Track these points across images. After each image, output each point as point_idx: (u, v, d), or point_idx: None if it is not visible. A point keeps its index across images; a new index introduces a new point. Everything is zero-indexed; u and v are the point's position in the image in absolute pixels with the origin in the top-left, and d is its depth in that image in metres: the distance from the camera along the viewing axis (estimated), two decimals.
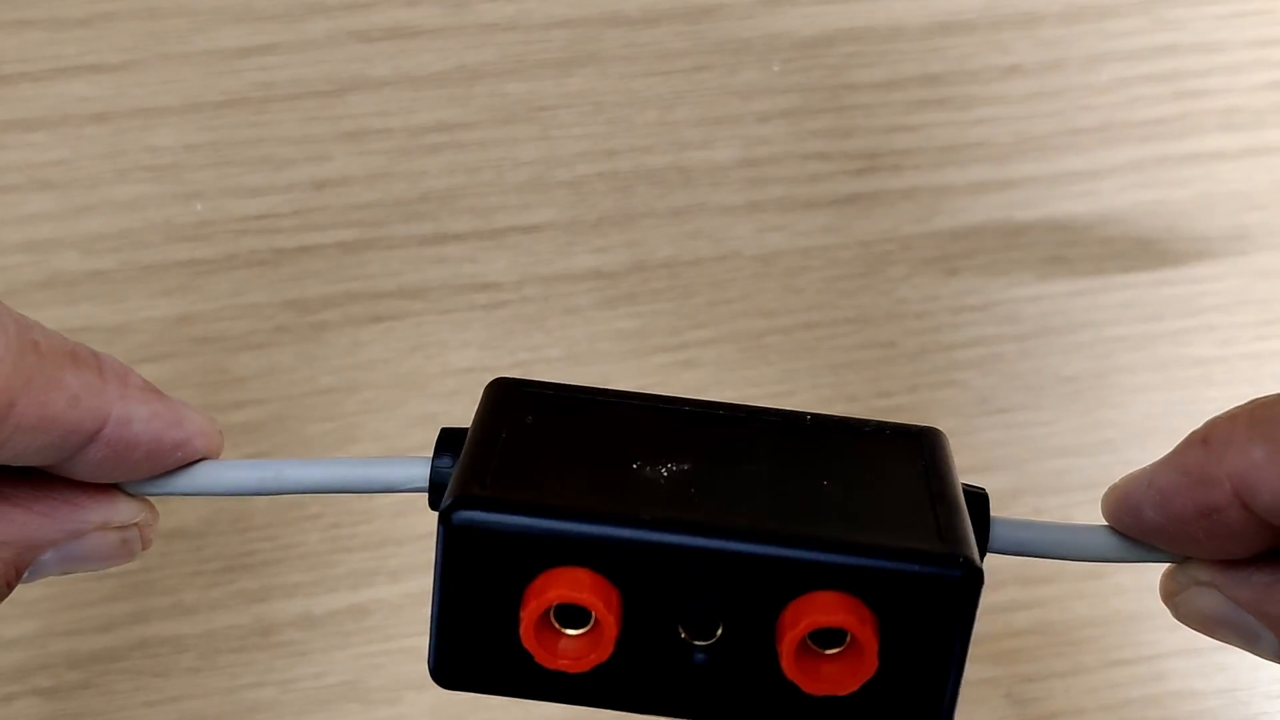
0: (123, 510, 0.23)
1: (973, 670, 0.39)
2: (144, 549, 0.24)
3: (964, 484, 0.21)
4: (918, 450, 0.22)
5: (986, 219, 0.41)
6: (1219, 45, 0.43)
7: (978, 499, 0.22)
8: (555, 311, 0.40)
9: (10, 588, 0.22)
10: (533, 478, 0.20)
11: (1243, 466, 0.20)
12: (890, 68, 0.43)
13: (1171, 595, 0.23)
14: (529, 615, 0.19)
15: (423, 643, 0.37)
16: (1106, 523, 0.23)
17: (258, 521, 0.37)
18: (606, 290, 0.40)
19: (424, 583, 0.37)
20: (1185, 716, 0.38)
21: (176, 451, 0.22)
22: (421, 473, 0.22)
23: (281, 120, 0.41)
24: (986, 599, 0.39)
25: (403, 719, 0.36)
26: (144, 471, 0.22)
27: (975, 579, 0.20)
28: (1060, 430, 0.39)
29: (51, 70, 0.41)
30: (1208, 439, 0.20)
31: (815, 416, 0.22)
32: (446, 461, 0.21)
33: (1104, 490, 0.23)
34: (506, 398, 0.21)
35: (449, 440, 0.22)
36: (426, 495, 0.22)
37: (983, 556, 0.22)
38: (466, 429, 0.21)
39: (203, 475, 0.23)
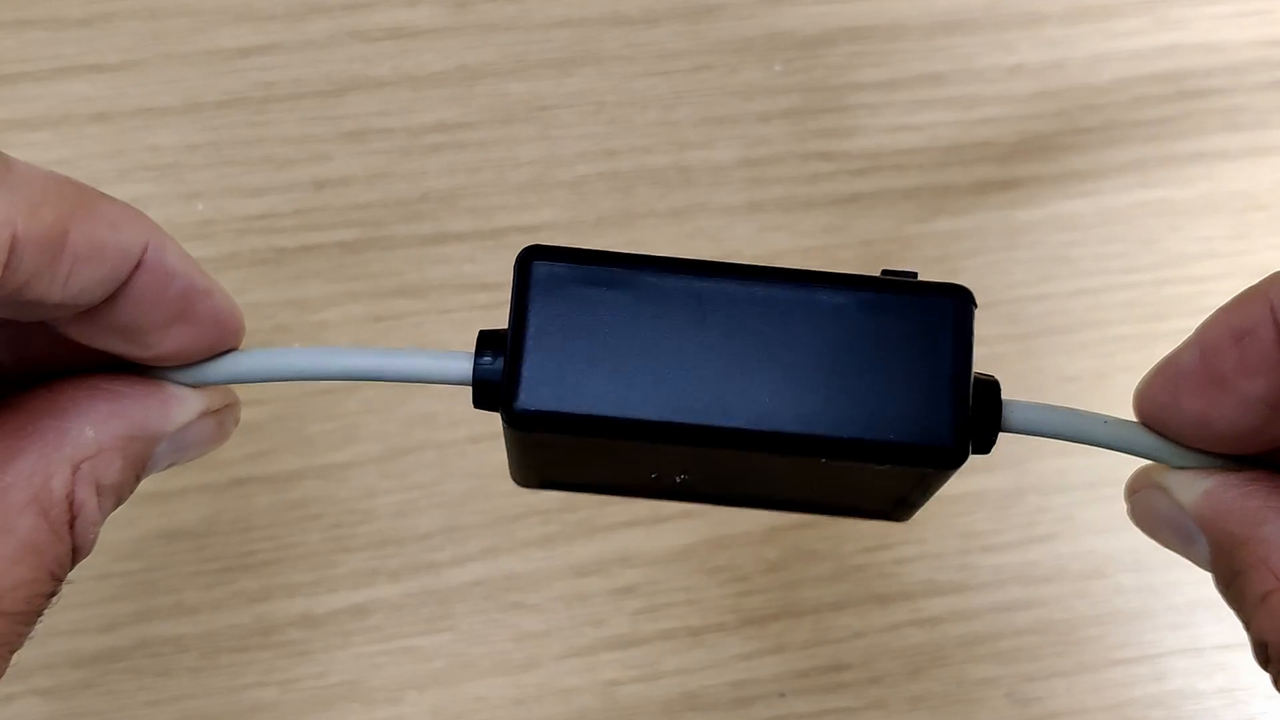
0: (214, 396, 0.24)
1: (973, 670, 0.39)
2: (232, 429, 0.25)
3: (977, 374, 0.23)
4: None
5: (989, 218, 0.41)
6: (1221, 45, 0.43)
7: (988, 386, 0.23)
8: None
9: (139, 480, 0.23)
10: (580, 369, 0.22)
11: None
12: (893, 67, 0.43)
13: (1132, 491, 0.24)
14: None
15: (423, 642, 0.37)
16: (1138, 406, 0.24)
17: (259, 521, 0.37)
18: None
19: (426, 583, 0.37)
20: (1187, 716, 0.37)
21: (207, 300, 0.24)
22: (465, 367, 0.23)
23: (282, 120, 0.41)
24: (986, 599, 0.40)
25: (404, 719, 0.36)
26: (187, 323, 0.23)
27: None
28: None
29: (52, 70, 0.41)
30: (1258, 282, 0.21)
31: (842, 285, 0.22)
32: (488, 359, 0.23)
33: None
34: (544, 283, 0.22)
35: (488, 340, 0.23)
36: (470, 391, 0.23)
37: (994, 438, 0.23)
38: (504, 330, 0.22)
39: (256, 360, 0.24)
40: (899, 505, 0.24)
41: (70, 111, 0.41)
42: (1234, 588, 0.21)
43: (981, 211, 0.41)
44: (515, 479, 0.25)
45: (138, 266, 0.22)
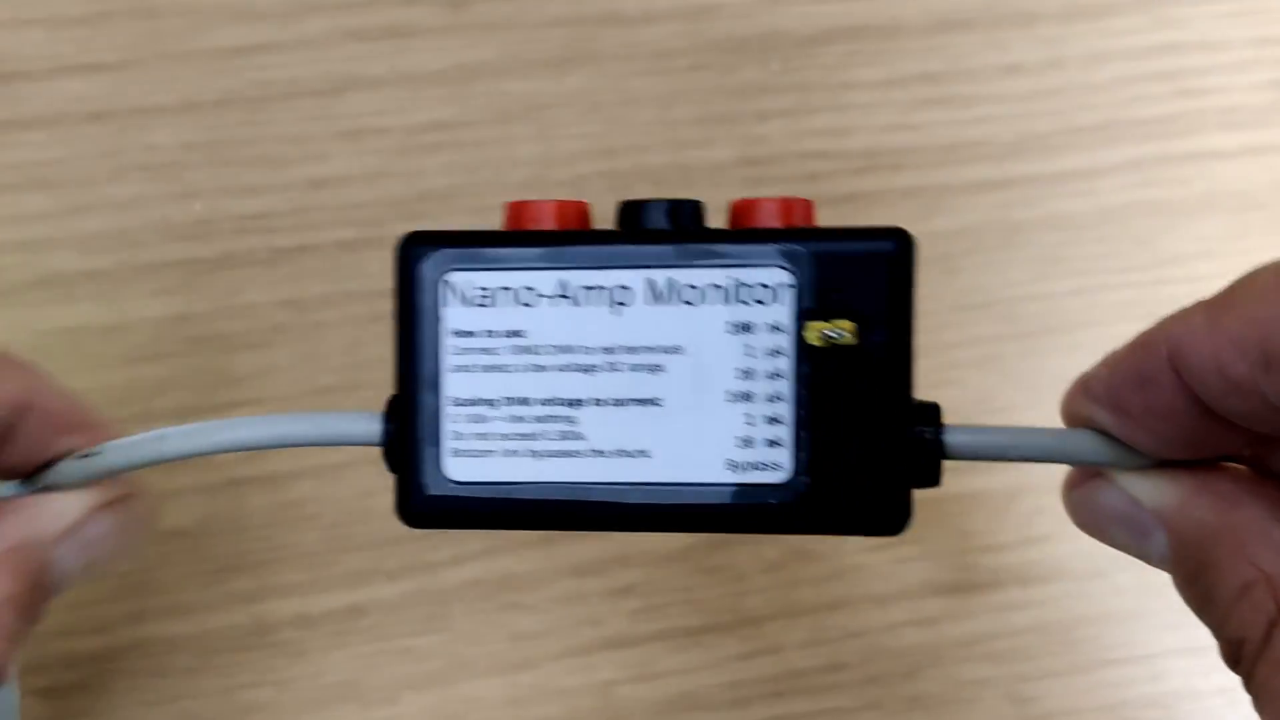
0: (103, 492, 0.24)
1: (970, 670, 0.39)
2: (149, 520, 0.25)
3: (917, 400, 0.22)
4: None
5: (986, 218, 0.41)
6: (1219, 44, 0.43)
7: (928, 410, 0.23)
8: None
9: (47, 590, 0.23)
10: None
11: (1179, 330, 0.20)
12: (889, 66, 0.43)
13: (1072, 487, 0.23)
14: None
15: (420, 643, 0.37)
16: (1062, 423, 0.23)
17: (255, 521, 0.37)
18: None
19: (422, 583, 0.37)
20: (1184, 716, 0.37)
21: (89, 416, 0.24)
22: (373, 430, 0.23)
23: (279, 119, 0.41)
24: (984, 599, 0.40)
25: (400, 719, 0.36)
26: (68, 442, 0.24)
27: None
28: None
29: (49, 69, 0.41)
30: (1162, 318, 0.21)
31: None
32: (395, 426, 0.23)
33: None
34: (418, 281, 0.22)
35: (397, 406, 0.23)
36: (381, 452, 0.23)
37: (938, 473, 0.22)
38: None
39: (147, 446, 0.23)
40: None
41: (67, 111, 0.40)
42: (1201, 582, 0.20)
43: (978, 211, 0.41)
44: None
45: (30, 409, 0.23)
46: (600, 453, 0.21)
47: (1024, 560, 0.38)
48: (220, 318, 0.39)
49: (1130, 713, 0.37)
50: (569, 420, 0.21)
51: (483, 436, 0.22)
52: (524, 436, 0.21)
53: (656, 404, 0.21)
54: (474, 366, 0.22)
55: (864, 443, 0.21)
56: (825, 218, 0.41)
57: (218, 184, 0.40)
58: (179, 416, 0.37)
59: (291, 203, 0.40)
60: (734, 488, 0.21)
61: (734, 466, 0.21)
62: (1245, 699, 0.37)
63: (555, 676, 0.37)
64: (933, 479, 0.22)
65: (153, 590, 0.36)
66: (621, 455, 0.21)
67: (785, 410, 0.21)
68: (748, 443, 0.21)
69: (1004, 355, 0.40)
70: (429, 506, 0.22)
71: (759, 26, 0.43)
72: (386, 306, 0.40)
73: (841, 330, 0.21)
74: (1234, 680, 0.38)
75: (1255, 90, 0.43)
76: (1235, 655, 0.20)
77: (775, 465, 0.21)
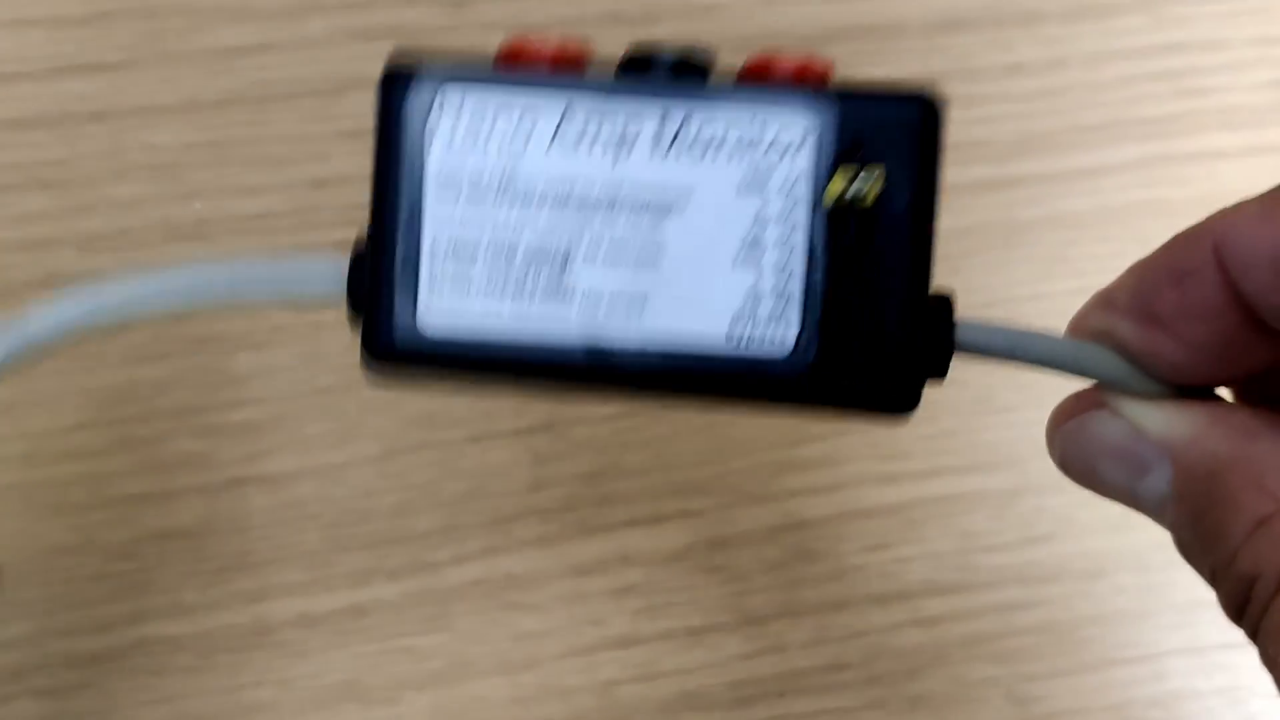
0: None
1: (974, 669, 0.39)
2: None
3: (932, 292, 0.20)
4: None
5: (989, 217, 0.41)
6: (1221, 43, 0.43)
7: (943, 300, 0.21)
8: None
9: None
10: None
11: (1229, 220, 0.19)
12: (892, 66, 0.43)
13: (1063, 419, 0.21)
14: None
15: (421, 642, 0.37)
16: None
17: (256, 521, 0.37)
18: None
19: (424, 582, 0.37)
20: (1187, 715, 0.37)
21: None
22: (336, 275, 0.21)
23: (280, 119, 0.41)
24: (986, 599, 0.39)
25: (401, 719, 0.36)
26: None
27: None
28: None
29: (50, 69, 0.41)
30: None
31: None
32: (368, 265, 0.21)
33: None
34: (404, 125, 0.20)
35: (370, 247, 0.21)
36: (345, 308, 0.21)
37: (947, 364, 0.21)
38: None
39: (70, 308, 0.21)
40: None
41: (68, 110, 0.40)
42: (1209, 519, 0.19)
43: (981, 210, 0.41)
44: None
45: None
46: (591, 307, 0.19)
47: (1026, 560, 0.38)
48: (221, 317, 0.39)
49: (1133, 712, 0.37)
50: (558, 271, 0.19)
51: (462, 281, 0.20)
52: (507, 284, 0.19)
53: (655, 262, 0.19)
54: (457, 207, 0.20)
55: (877, 317, 0.19)
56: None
57: (219, 184, 0.40)
58: (180, 416, 0.38)
59: (292, 203, 0.40)
60: (734, 354, 0.19)
61: (735, 333, 0.19)
62: (1245, 699, 0.37)
63: (557, 676, 0.37)
64: (941, 370, 0.21)
65: (154, 590, 0.36)
66: (613, 311, 0.19)
67: (795, 276, 0.19)
68: (752, 308, 0.19)
69: None
70: (398, 350, 0.20)
71: (761, 26, 0.43)
72: None
73: (863, 191, 0.20)
74: (1235, 680, 0.38)
75: (1257, 90, 0.43)
76: (1243, 597, 0.18)
77: (781, 333, 0.19)
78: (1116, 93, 0.43)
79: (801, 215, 0.19)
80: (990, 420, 0.39)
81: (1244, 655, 0.21)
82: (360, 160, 0.41)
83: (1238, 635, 0.21)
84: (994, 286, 0.41)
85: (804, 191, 0.19)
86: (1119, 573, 0.38)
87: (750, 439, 0.39)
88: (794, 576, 0.38)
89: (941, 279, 0.40)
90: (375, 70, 0.41)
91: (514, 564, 0.37)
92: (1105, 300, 0.21)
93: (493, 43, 0.33)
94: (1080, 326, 0.21)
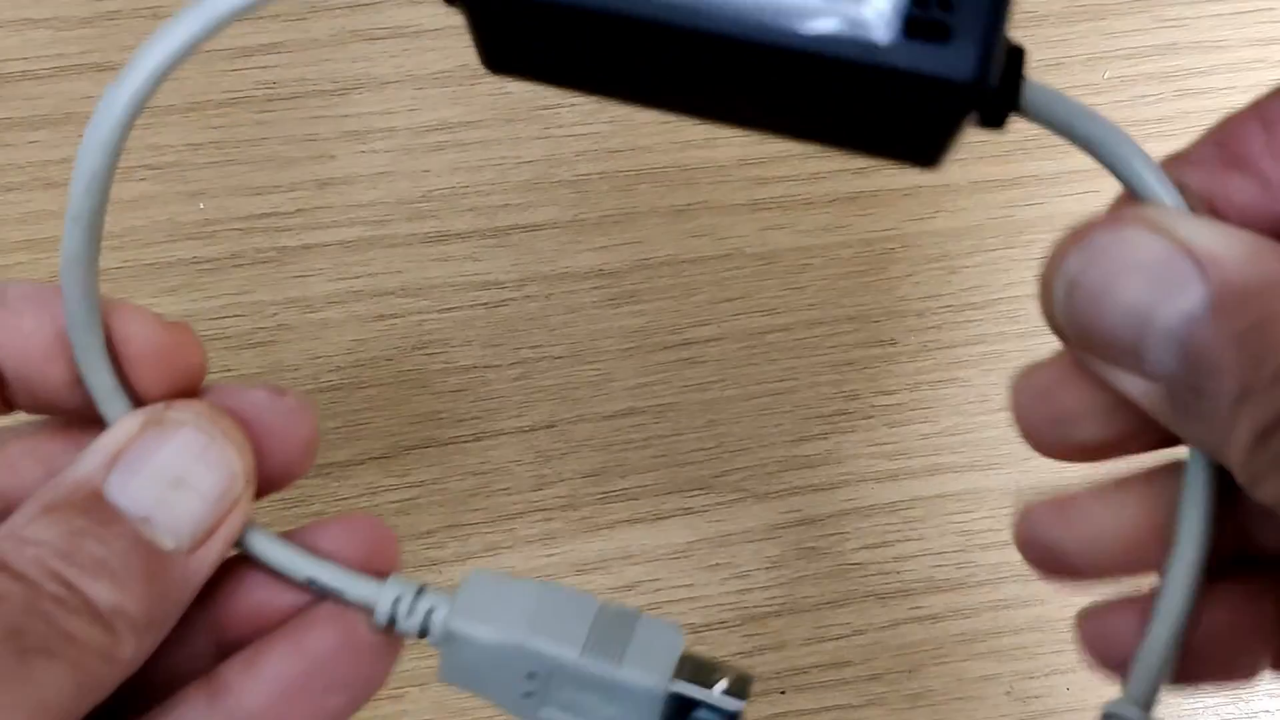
0: (151, 410, 0.22)
1: (973, 667, 0.39)
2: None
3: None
4: None
5: (988, 217, 0.41)
6: (1219, 44, 0.43)
7: (1014, 51, 0.20)
8: (558, 310, 0.40)
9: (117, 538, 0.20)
10: None
11: None
12: None
13: (1085, 235, 0.19)
14: None
15: (423, 641, 0.37)
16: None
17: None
18: (609, 288, 0.40)
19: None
20: (1187, 714, 0.38)
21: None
22: None
23: (285, 119, 0.41)
24: (986, 596, 0.40)
25: (405, 715, 0.36)
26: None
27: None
28: None
29: (55, 69, 0.41)
30: None
31: None
32: None
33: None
34: None
35: None
36: None
37: (1008, 112, 0.20)
38: None
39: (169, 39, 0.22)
40: (916, 146, 0.20)
41: (73, 111, 0.41)
42: (1254, 336, 0.17)
43: (980, 210, 0.41)
44: (484, 63, 0.22)
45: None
46: None
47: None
48: (226, 316, 0.39)
49: None
50: None
51: None
52: None
53: None
54: None
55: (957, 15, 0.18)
56: (826, 216, 0.41)
57: (224, 183, 0.40)
58: None
59: (297, 202, 0.40)
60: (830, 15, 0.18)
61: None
62: (1246, 697, 0.38)
63: None
64: (998, 120, 0.20)
65: None
66: None
67: None
68: None
69: (1006, 354, 0.40)
70: None
71: None
72: (391, 305, 0.40)
73: None
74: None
75: (1255, 90, 0.43)
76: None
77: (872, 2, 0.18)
78: (1115, 93, 0.43)
79: None
80: (992, 419, 0.39)
81: None
82: (365, 160, 0.41)
83: None
84: (993, 286, 0.41)
85: None
86: None
87: (751, 436, 0.39)
88: (794, 574, 0.38)
89: (941, 278, 0.41)
90: (379, 70, 0.42)
91: (517, 561, 0.38)
92: (1177, 156, 0.20)
93: None
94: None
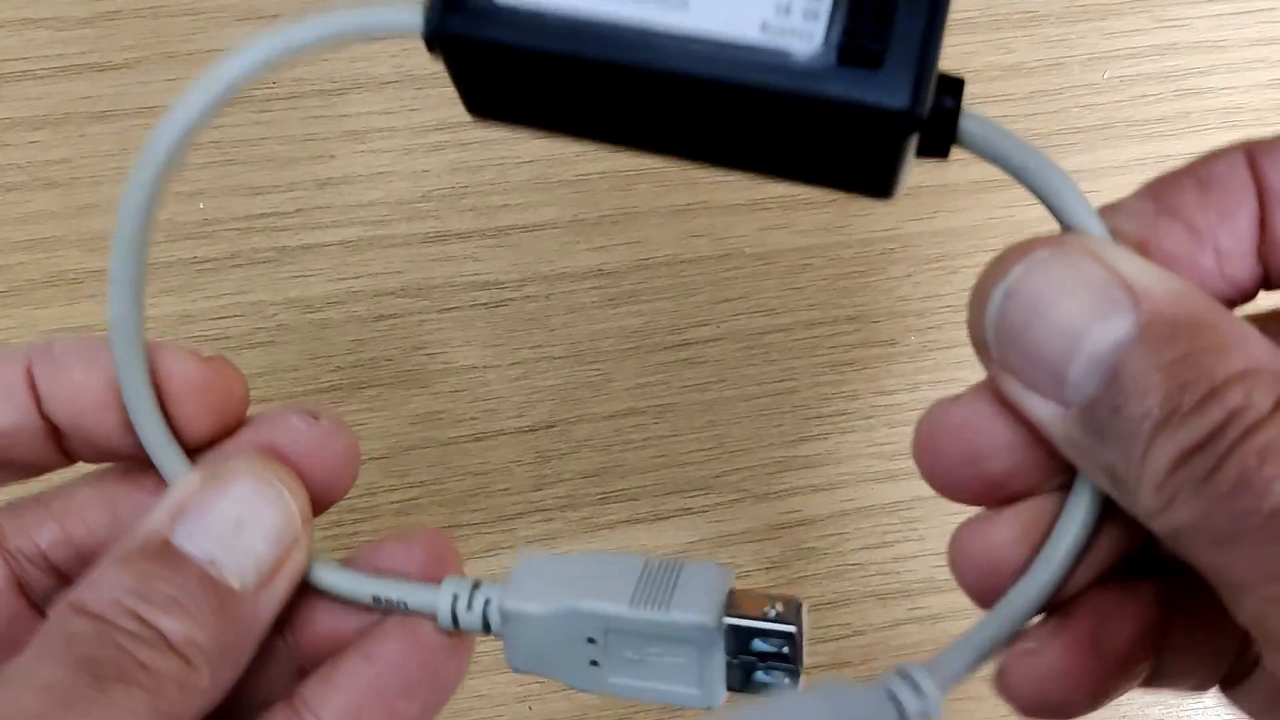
0: (206, 470, 0.23)
1: None
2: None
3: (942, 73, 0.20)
4: None
5: (987, 217, 0.41)
6: (1220, 44, 0.43)
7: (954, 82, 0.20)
8: (557, 310, 0.40)
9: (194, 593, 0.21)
10: None
11: (1266, 142, 0.20)
12: None
13: (1029, 250, 0.20)
14: None
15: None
16: None
17: None
18: (608, 288, 0.40)
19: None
20: (1187, 714, 0.38)
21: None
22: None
23: (284, 119, 0.41)
24: None
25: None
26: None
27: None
28: None
29: (55, 69, 0.41)
30: None
31: None
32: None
33: None
34: None
35: None
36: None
37: (950, 141, 0.20)
38: None
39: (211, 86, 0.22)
40: (865, 177, 0.21)
41: (73, 110, 0.41)
42: (1186, 363, 0.17)
43: (980, 210, 0.41)
44: (467, 110, 0.23)
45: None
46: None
47: None
48: (226, 315, 0.39)
49: (1133, 711, 0.37)
50: None
51: None
52: None
53: None
54: None
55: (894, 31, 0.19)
56: (826, 216, 0.41)
57: (223, 183, 0.40)
58: None
59: (296, 202, 0.40)
60: (763, 47, 0.19)
61: (767, 27, 0.19)
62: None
63: None
64: (940, 150, 0.20)
65: None
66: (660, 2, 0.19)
67: None
68: (785, 10, 0.19)
69: None
70: (468, 5, 0.20)
71: None
72: (390, 305, 0.40)
73: None
74: None
75: (1255, 90, 0.43)
76: (1218, 426, 0.17)
77: (808, 34, 0.19)
78: (1115, 93, 0.43)
79: None
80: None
81: None
82: (364, 160, 0.41)
83: None
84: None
85: None
86: None
87: (751, 437, 0.39)
88: (794, 574, 0.38)
89: (941, 278, 0.41)
90: (378, 69, 0.42)
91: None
92: (1112, 205, 0.21)
93: None
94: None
